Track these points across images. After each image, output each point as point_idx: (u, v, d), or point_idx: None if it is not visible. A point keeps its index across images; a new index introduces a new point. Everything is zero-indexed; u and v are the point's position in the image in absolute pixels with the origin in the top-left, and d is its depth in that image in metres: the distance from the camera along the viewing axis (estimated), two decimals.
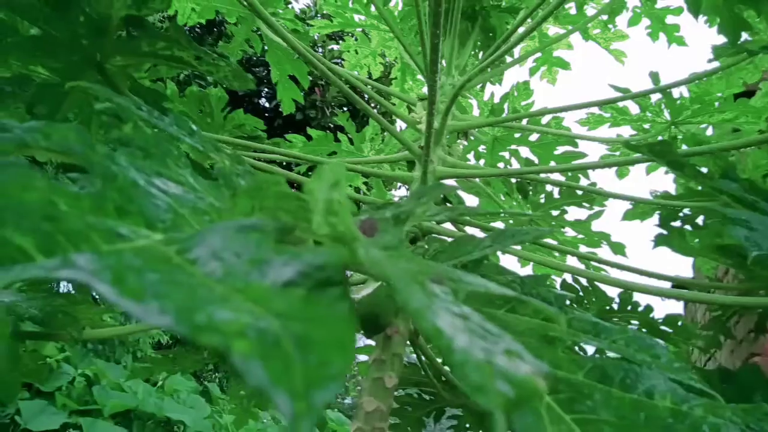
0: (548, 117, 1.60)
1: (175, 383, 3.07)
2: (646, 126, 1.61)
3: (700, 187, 1.25)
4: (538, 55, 1.69)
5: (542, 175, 1.42)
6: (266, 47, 1.70)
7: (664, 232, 1.46)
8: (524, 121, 1.63)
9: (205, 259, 0.13)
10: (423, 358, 1.40)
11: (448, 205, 1.55)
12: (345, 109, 4.90)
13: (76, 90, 0.88)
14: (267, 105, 5.23)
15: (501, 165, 1.79)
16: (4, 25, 0.74)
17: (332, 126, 4.85)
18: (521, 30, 1.32)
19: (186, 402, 2.98)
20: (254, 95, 5.15)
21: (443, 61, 1.47)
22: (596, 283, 1.42)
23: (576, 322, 0.29)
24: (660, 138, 1.61)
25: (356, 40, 1.90)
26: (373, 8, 1.69)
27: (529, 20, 1.35)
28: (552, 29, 1.74)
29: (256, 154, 1.40)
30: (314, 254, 0.11)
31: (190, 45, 0.70)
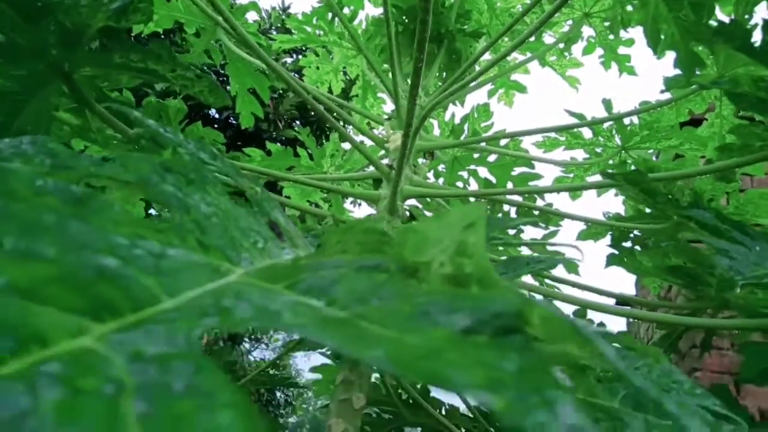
0: (506, 139, 1.65)
1: None
2: (599, 150, 1.68)
3: (648, 210, 1.32)
4: (497, 78, 1.74)
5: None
6: (227, 59, 1.68)
7: (616, 252, 1.53)
8: (483, 143, 1.67)
9: (345, 302, 0.13)
10: (386, 377, 1.39)
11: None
12: (298, 122, 4.87)
13: (35, 99, 0.83)
14: (217, 116, 5.13)
15: (459, 184, 1.82)
16: None
17: (284, 139, 4.80)
18: (487, 56, 1.36)
19: None
20: (204, 106, 5.03)
21: (408, 82, 1.50)
22: (552, 300, 1.47)
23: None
24: (610, 161, 1.69)
25: (317, 56, 1.90)
26: (337, 24, 1.70)
27: (491, 45, 1.39)
28: (511, 54, 1.80)
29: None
30: (487, 300, 0.11)
31: (172, 60, 0.68)
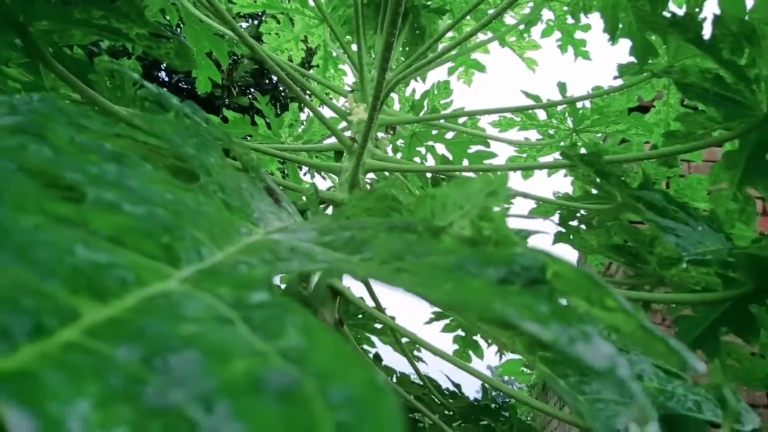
0: (464, 117, 1.68)
1: None
2: (551, 131, 1.74)
3: (594, 191, 1.38)
4: (458, 56, 1.76)
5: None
6: (183, 21, 1.62)
7: (563, 230, 1.60)
8: (442, 120, 1.70)
9: (383, 257, 0.14)
10: None
11: None
12: (252, 90, 4.74)
13: None
14: (167, 79, 4.92)
15: (417, 159, 1.85)
16: None
17: (237, 106, 4.68)
18: (449, 34, 1.37)
19: None
20: (153, 68, 4.82)
21: (371, 55, 1.49)
22: None
23: None
24: (562, 143, 1.76)
25: (278, 23, 1.86)
26: None
27: (451, 22, 1.40)
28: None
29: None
30: (516, 256, 0.13)
31: (140, 19, 0.65)
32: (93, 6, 0.69)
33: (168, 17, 1.69)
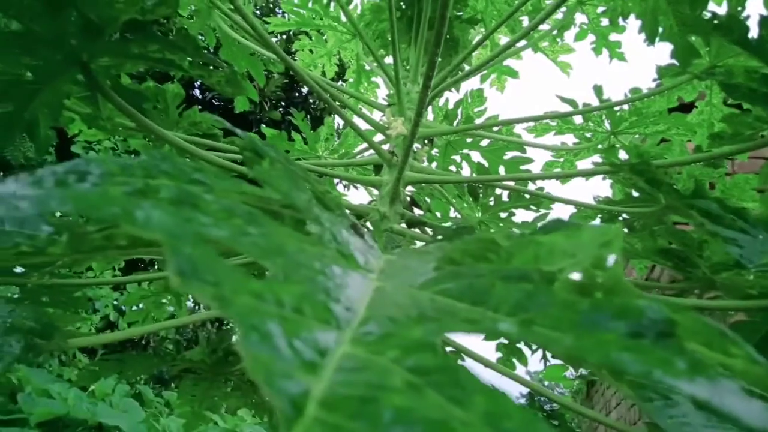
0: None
1: (106, 387, 2.91)
2: (588, 135, 1.72)
3: (635, 194, 1.37)
4: (490, 63, 1.77)
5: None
6: (221, 43, 1.67)
7: None
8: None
9: (508, 309, 0.15)
10: None
11: (416, 209, 1.59)
12: (283, 103, 4.83)
13: (48, 88, 0.83)
14: (200, 96, 5.05)
15: (452, 168, 1.86)
16: None
17: (269, 120, 4.77)
18: (482, 42, 1.37)
19: (119, 406, 2.83)
20: (188, 86, 4.95)
21: (406, 67, 1.51)
22: None
23: None
24: (600, 146, 1.74)
25: (311, 39, 1.90)
26: (332, 7, 1.70)
27: (482, 30, 1.41)
28: (503, 39, 1.82)
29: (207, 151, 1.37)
30: (642, 309, 0.14)
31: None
32: (150, 41, 0.72)
33: (206, 39, 1.74)
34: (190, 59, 0.77)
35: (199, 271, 0.11)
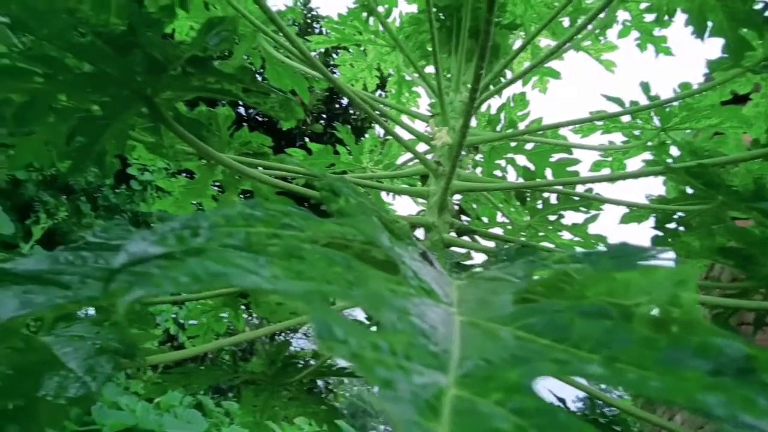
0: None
1: (170, 398, 3.04)
2: (637, 132, 1.69)
3: (689, 190, 1.33)
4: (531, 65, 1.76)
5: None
6: (266, 63, 1.73)
7: (660, 233, 1.55)
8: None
9: (590, 346, 0.17)
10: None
11: (463, 216, 1.60)
12: (324, 115, 4.92)
13: (116, 122, 0.89)
14: (245, 114, 5.21)
15: (497, 173, 1.85)
16: (57, 63, 0.75)
17: (312, 133, 4.86)
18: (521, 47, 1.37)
19: (182, 417, 2.95)
20: (232, 103, 5.12)
21: (447, 76, 1.52)
22: None
23: None
24: (649, 143, 1.70)
25: (351, 53, 1.93)
26: (371, 22, 1.73)
27: (523, 35, 1.40)
28: (543, 41, 1.81)
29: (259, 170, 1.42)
30: (721, 347, 0.15)
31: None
32: (210, 74, 0.76)
33: (250, 60, 1.80)
34: (245, 89, 0.81)
35: (333, 333, 0.13)
